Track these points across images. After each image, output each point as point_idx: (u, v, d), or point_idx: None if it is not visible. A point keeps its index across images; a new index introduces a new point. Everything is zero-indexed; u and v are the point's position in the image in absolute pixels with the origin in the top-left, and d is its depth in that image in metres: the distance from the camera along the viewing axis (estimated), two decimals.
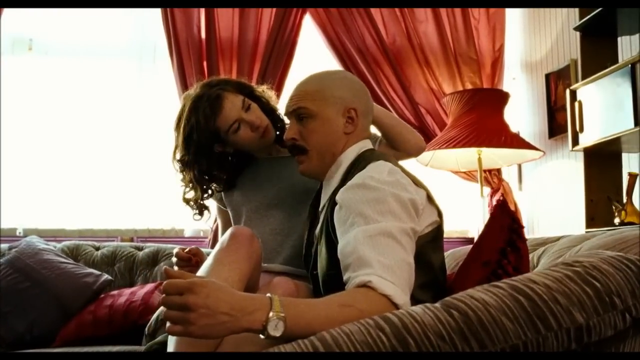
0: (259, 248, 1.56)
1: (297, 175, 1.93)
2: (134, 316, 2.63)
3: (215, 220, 3.97)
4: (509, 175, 4.21)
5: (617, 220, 2.81)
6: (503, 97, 3.75)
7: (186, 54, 3.92)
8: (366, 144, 1.62)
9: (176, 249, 1.85)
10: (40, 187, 3.90)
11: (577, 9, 3.31)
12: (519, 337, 1.04)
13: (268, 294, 1.18)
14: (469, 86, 4.10)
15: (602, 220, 2.96)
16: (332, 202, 1.48)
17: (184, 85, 3.89)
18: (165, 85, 4.00)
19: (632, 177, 2.81)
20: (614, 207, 2.86)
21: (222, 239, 1.55)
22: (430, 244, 1.46)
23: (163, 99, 4.03)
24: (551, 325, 1.05)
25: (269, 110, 1.99)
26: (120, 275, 3.03)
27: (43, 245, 2.94)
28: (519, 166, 4.17)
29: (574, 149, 3.06)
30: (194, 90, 1.96)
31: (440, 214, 1.51)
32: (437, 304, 1.11)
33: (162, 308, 2.50)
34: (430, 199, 1.48)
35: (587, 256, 1.19)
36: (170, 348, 1.39)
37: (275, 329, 1.15)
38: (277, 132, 1.99)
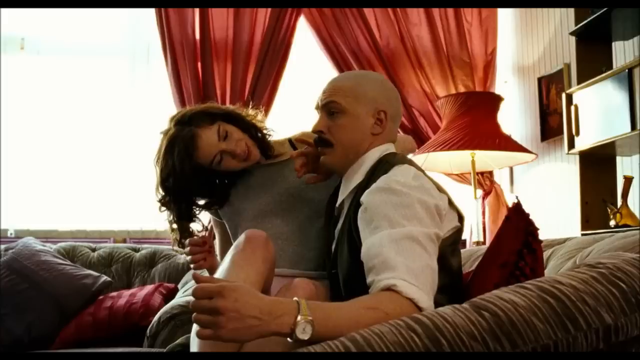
0: (273, 250, 1.56)
1: (289, 180, 1.93)
2: (135, 318, 2.62)
3: (209, 222, 3.99)
4: (500, 178, 4.25)
5: (612, 223, 2.85)
6: (497, 101, 3.79)
7: (180, 55, 3.90)
8: (390, 147, 1.64)
9: (188, 240, 1.85)
10: (32, 188, 3.87)
11: (571, 14, 3.37)
12: (549, 337, 1.06)
13: (295, 298, 1.19)
14: (461, 89, 4.14)
15: (596, 222, 3.01)
16: (356, 203, 1.50)
17: (178, 85, 3.88)
18: (159, 86, 3.98)
19: (628, 180, 2.85)
20: (608, 210, 2.91)
21: (238, 242, 1.54)
22: (449, 247, 1.48)
23: (156, 100, 4.02)
24: (581, 326, 1.07)
25: (247, 127, 1.95)
26: (117, 276, 3.01)
27: (40, 247, 2.92)
28: (511, 169, 4.22)
29: (569, 152, 3.10)
30: (168, 126, 1.92)
31: (460, 218, 1.53)
32: (466, 305, 1.13)
33: (164, 309, 2.51)
34: (451, 203, 1.50)
35: (609, 258, 1.21)
36: (194, 348, 1.39)
37: (304, 332, 1.16)
38: (262, 145, 1.97)
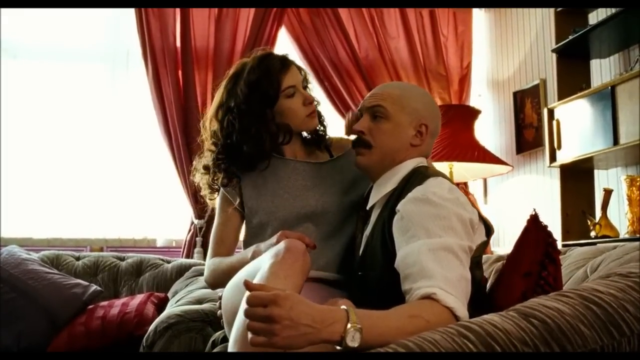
0: (310, 261, 1.57)
1: (327, 184, 1.89)
2: (129, 327, 2.57)
3: (190, 230, 3.95)
4: (474, 189, 4.36)
5: (592, 234, 2.96)
6: (474, 114, 3.90)
7: (161, 62, 3.89)
8: (423, 161, 1.68)
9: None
10: (6, 195, 3.77)
11: (547, 31, 3.51)
12: (596, 342, 1.11)
13: (343, 306, 1.22)
14: (438, 102, 4.22)
15: (576, 233, 3.12)
16: (389, 210, 1.54)
17: (158, 92, 3.86)
18: (139, 92, 3.95)
19: (607, 192, 2.97)
20: (589, 222, 3.02)
21: (277, 251, 1.52)
22: (475, 259, 1.52)
23: (136, 106, 3.98)
24: (624, 332, 1.13)
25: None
26: (104, 285, 2.95)
27: (25, 255, 2.84)
28: (485, 180, 4.33)
29: (551, 165, 3.21)
30: (251, 56, 1.93)
31: (488, 233, 1.58)
32: (512, 312, 1.17)
33: (160, 318, 2.48)
34: (481, 217, 1.55)
35: (638, 268, 1.28)
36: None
37: (353, 340, 1.19)
38: (316, 133, 1.98)
